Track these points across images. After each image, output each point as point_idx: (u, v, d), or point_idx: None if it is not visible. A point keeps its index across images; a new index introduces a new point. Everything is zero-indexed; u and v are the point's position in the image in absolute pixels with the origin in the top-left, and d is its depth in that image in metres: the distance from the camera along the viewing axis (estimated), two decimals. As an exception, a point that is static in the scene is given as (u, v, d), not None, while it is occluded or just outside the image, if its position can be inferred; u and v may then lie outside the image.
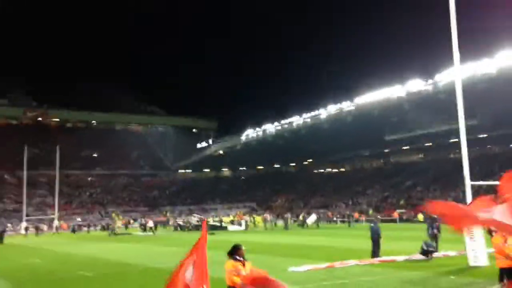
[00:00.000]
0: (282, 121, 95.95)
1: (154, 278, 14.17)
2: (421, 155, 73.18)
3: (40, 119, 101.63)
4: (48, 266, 19.50)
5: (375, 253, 17.46)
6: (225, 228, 45.36)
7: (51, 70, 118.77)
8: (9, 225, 57.33)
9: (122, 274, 15.83)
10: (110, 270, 17.17)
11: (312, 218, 47.83)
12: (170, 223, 56.75)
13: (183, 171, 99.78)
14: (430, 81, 71.83)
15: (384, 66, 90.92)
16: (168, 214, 69.13)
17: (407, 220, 48.06)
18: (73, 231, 54.78)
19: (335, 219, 55.31)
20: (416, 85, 73.92)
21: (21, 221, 60.41)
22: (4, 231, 42.74)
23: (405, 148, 73.91)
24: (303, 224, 46.55)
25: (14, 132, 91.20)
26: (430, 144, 70.00)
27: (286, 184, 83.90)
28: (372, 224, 18.64)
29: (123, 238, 39.45)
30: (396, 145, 73.67)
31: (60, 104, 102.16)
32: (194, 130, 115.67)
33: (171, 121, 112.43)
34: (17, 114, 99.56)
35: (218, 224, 47.07)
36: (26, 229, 54.60)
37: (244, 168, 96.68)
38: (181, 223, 51.72)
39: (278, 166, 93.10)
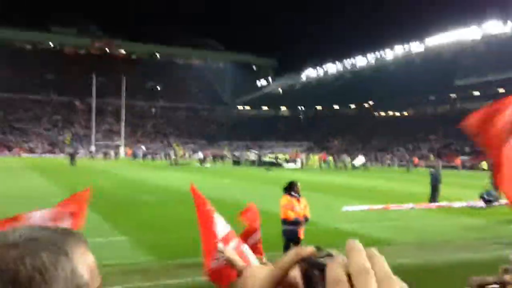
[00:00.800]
0: (345, 61, 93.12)
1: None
2: (491, 102, 69.10)
3: (107, 49, 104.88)
4: (114, 189, 20.85)
5: (433, 198, 17.18)
6: (281, 165, 45.95)
7: (119, 2, 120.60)
8: (80, 148, 61.34)
9: (182, 201, 16.66)
10: (171, 196, 18.09)
11: (359, 160, 46.55)
12: (227, 157, 58.34)
13: (241, 107, 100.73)
14: (509, 22, 66.22)
15: (459, 5, 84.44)
16: (226, 149, 70.86)
17: (470, 168, 46.47)
18: (135, 157, 58.17)
19: (389, 162, 54.56)
20: (493, 26, 68.51)
21: (90, 145, 64.50)
22: (75, 153, 45.49)
23: (475, 94, 69.94)
24: (352, 167, 45.60)
25: (82, 61, 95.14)
26: (503, 90, 65.65)
27: (345, 125, 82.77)
28: (432, 169, 18.20)
29: (183, 168, 41.16)
30: (465, 90, 69.79)
31: (126, 36, 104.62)
32: (254, 67, 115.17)
33: (231, 57, 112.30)
34: (85, 43, 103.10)
35: (274, 161, 47.73)
36: (94, 153, 58.28)
37: (303, 108, 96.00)
38: (238, 157, 53.05)
39: (338, 107, 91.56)
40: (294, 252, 0.56)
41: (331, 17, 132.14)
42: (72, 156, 41.61)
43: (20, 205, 11.18)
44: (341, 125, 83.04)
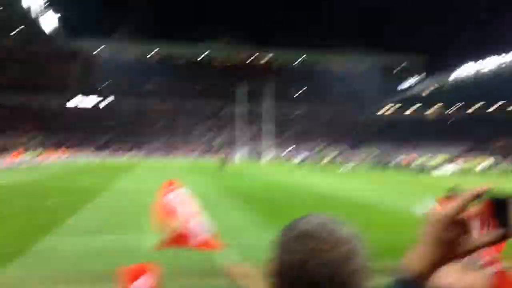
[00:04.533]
0: (505, 55, 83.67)
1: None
2: None
3: (251, 59, 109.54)
4: (266, 191, 21.40)
5: None
6: (430, 170, 42.87)
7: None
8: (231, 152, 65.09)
9: (332, 206, 16.37)
10: (322, 201, 17.90)
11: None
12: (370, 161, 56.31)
13: (386, 111, 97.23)
14: None
15: None
16: (369, 153, 68.79)
17: None
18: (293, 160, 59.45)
19: None
20: None
21: (238, 150, 68.50)
22: (226, 158, 44.91)
23: None
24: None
25: (227, 72, 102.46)
26: None
27: (504, 128, 74.16)
28: None
29: (331, 171, 40.67)
30: None
31: (269, 45, 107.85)
32: (398, 68, 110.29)
33: (375, 60, 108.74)
34: (231, 55, 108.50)
35: (424, 166, 45.00)
36: (245, 155, 61.23)
37: (454, 109, 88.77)
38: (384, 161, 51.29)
39: (496, 107, 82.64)
40: (472, 189, 0.62)
41: (487, 6, 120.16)
42: (223, 161, 40.81)
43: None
44: (500, 128, 74.68)
